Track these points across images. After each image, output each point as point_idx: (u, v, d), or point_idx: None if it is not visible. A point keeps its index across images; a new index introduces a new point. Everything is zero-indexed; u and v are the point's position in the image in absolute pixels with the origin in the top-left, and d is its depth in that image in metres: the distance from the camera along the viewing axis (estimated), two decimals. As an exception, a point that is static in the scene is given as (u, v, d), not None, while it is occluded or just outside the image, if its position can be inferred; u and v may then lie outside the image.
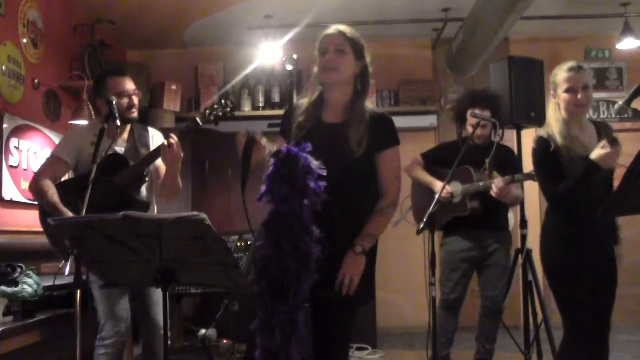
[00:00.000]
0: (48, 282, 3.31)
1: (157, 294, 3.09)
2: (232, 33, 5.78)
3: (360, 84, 2.35)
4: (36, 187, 3.07)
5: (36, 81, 4.38)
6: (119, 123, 2.85)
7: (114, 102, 2.89)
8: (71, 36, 4.98)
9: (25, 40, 4.27)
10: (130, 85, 3.11)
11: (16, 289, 3.11)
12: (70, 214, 2.91)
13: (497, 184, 3.56)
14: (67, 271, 2.37)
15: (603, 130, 2.87)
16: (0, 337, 2.83)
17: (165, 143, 2.89)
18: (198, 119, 3.00)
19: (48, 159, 3.24)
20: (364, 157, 2.27)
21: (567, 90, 2.80)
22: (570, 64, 2.86)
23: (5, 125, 3.97)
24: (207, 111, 3.01)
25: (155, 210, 3.26)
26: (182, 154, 2.94)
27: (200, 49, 6.32)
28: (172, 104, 5.81)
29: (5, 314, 3.03)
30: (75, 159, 3.10)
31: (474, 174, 3.75)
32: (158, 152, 2.96)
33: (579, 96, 2.77)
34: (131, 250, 2.10)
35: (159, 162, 3.09)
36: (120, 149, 3.11)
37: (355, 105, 2.32)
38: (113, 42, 5.54)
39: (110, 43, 5.32)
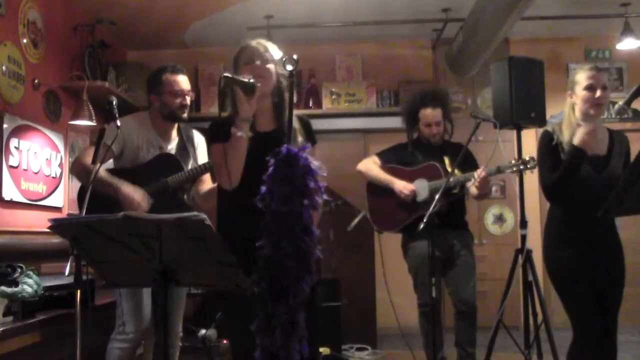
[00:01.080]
0: (48, 282, 3.31)
1: (177, 297, 3.09)
2: (232, 33, 5.78)
3: (277, 95, 2.41)
4: (80, 166, 3.01)
5: (36, 81, 4.38)
6: (118, 123, 2.85)
7: (114, 103, 2.88)
8: (71, 36, 4.98)
9: (25, 40, 4.27)
10: (185, 84, 3.10)
11: (16, 289, 3.10)
12: (126, 186, 2.86)
13: (479, 174, 3.50)
14: (67, 271, 2.37)
15: (617, 139, 2.88)
16: (0, 337, 2.83)
17: None
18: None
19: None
20: None
21: (587, 88, 2.82)
22: (591, 64, 2.93)
23: (5, 125, 3.96)
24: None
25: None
26: None
27: (200, 49, 6.33)
28: (172, 104, 5.81)
29: (5, 314, 3.03)
30: (120, 147, 3.05)
31: (442, 170, 3.71)
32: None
33: (598, 94, 2.79)
34: (131, 250, 2.10)
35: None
36: (170, 146, 3.10)
37: (282, 113, 2.39)
38: (113, 42, 5.54)
39: (110, 43, 5.33)
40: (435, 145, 3.87)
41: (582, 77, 2.84)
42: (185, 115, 3.09)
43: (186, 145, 3.15)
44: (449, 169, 3.71)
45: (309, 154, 2.23)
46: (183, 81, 3.09)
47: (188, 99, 3.09)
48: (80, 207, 2.99)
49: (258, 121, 2.40)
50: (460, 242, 3.81)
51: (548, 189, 2.80)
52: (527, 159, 3.38)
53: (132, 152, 3.05)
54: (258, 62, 2.38)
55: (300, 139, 2.35)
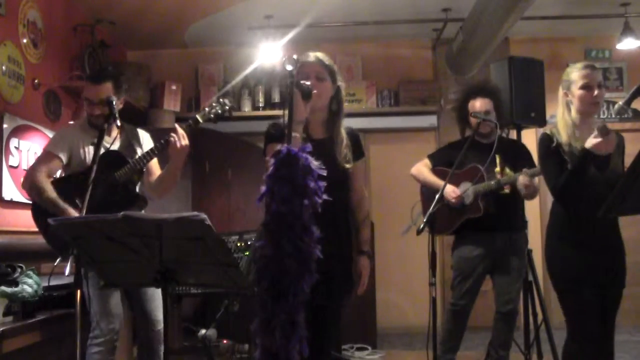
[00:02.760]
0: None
1: (152, 289, 3.08)
2: (232, 33, 5.78)
3: (336, 104, 2.55)
4: (31, 183, 3.05)
5: (36, 81, 4.38)
6: (118, 123, 2.85)
7: (114, 102, 2.89)
8: (71, 36, 4.98)
9: (25, 40, 4.27)
10: (102, 93, 3.03)
11: (16, 289, 3.10)
12: (71, 210, 2.91)
13: (522, 181, 3.44)
14: (67, 271, 2.37)
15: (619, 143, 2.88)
16: (0, 337, 2.83)
17: (175, 136, 2.90)
18: (198, 117, 3.04)
19: (41, 156, 3.23)
20: (347, 170, 2.51)
21: (583, 87, 2.80)
22: (585, 62, 2.89)
23: (5, 125, 3.97)
24: (207, 109, 3.05)
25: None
26: (188, 147, 2.96)
27: (200, 49, 6.33)
28: (172, 104, 5.81)
29: (5, 314, 3.03)
30: (67, 155, 3.10)
31: (485, 172, 3.62)
32: (160, 147, 2.99)
33: (595, 92, 2.78)
34: (131, 250, 2.10)
35: (152, 160, 3.11)
36: (113, 146, 3.10)
37: (335, 123, 2.55)
38: (113, 42, 5.54)
39: (110, 43, 5.33)
40: (487, 143, 3.69)
41: (577, 76, 2.83)
42: (104, 124, 2.88)
43: (131, 142, 3.17)
44: (498, 169, 3.65)
45: (357, 168, 2.56)
46: (101, 90, 3.04)
47: (110, 108, 2.90)
48: (38, 228, 3.05)
49: (311, 129, 2.51)
50: (511, 245, 3.69)
51: (559, 191, 2.78)
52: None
53: (79, 157, 3.09)
54: (314, 80, 2.46)
55: (345, 151, 2.50)
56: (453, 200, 3.63)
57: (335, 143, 2.51)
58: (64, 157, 3.09)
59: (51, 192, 2.99)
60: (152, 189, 3.19)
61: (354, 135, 2.60)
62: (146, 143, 3.24)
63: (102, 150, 2.99)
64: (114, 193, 2.98)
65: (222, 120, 3.11)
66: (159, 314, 3.11)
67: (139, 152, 3.15)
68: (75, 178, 3.05)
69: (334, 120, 2.55)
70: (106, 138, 3.06)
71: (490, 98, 3.74)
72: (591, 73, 2.82)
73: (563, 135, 2.81)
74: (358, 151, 2.58)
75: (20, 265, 3.27)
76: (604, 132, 2.62)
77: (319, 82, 2.47)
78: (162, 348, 3.14)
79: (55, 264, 2.72)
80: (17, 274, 3.19)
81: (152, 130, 3.49)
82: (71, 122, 4.43)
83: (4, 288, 3.06)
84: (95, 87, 3.06)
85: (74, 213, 2.92)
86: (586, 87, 2.80)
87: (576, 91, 2.81)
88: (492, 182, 3.58)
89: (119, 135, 3.12)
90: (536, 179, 3.50)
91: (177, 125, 2.96)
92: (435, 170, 3.84)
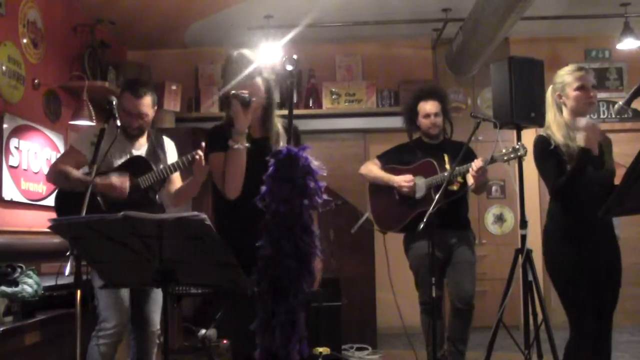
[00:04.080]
0: (48, 282, 3.31)
1: (156, 292, 3.10)
2: (232, 33, 5.78)
3: (267, 99, 2.53)
4: (57, 172, 3.07)
5: (36, 81, 4.38)
6: (118, 123, 2.86)
7: (114, 103, 2.89)
8: (71, 36, 4.98)
9: (25, 40, 4.27)
10: (143, 108, 3.09)
11: (16, 289, 3.11)
12: (100, 177, 2.90)
13: (476, 164, 3.50)
14: (67, 271, 2.37)
15: (604, 142, 2.92)
16: (0, 337, 2.83)
17: (201, 154, 2.87)
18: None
19: (67, 150, 3.30)
20: None
21: (579, 88, 2.89)
22: (576, 65, 2.98)
23: (5, 125, 3.97)
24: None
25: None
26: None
27: (200, 49, 6.33)
28: (172, 104, 5.81)
29: (5, 314, 3.03)
30: (91, 153, 3.08)
31: (438, 166, 3.71)
32: (186, 162, 3.00)
33: (591, 93, 2.84)
34: (131, 250, 2.10)
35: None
36: (139, 152, 3.15)
37: (268, 119, 2.55)
38: (113, 42, 5.54)
39: (110, 43, 5.33)
40: (436, 143, 3.87)
41: (571, 78, 2.92)
42: (136, 133, 3.12)
43: (156, 150, 3.22)
44: (448, 167, 3.71)
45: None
46: (142, 104, 3.09)
47: (144, 121, 3.12)
48: (60, 211, 3.06)
49: (251, 129, 2.50)
50: (460, 240, 3.79)
51: (560, 191, 2.82)
52: (518, 146, 3.39)
53: (105, 158, 3.05)
54: (247, 81, 2.45)
55: (282, 143, 2.45)
56: (405, 188, 3.70)
57: (270, 139, 2.50)
58: (87, 154, 3.06)
59: (77, 172, 3.02)
60: (170, 198, 3.24)
61: (292, 129, 2.53)
62: (170, 151, 3.29)
63: (128, 156, 3.11)
64: (134, 198, 2.99)
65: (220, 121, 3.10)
66: (157, 316, 3.14)
67: (163, 159, 3.20)
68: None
69: (268, 117, 2.54)
70: (135, 144, 3.16)
71: (439, 101, 3.88)
72: (585, 75, 2.91)
73: (559, 137, 2.86)
74: (298, 142, 2.48)
75: (20, 265, 3.27)
76: (587, 125, 2.69)
77: (250, 81, 2.45)
78: (155, 349, 3.16)
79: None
80: (17, 274, 3.19)
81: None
82: (79, 123, 4.45)
83: (4, 288, 3.07)
84: (138, 100, 3.08)
85: (105, 179, 2.93)
86: (582, 88, 2.88)
87: (571, 92, 2.89)
88: (446, 174, 3.59)
89: (146, 142, 3.19)
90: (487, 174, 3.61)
91: (203, 144, 2.91)
92: (385, 169, 3.93)
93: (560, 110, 2.92)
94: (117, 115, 2.86)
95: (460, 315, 3.73)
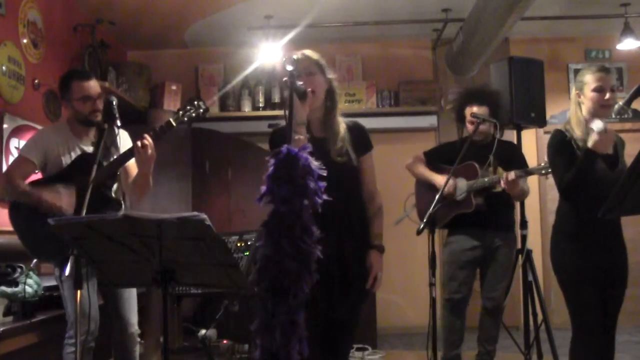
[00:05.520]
0: (48, 282, 3.31)
1: (127, 291, 3.06)
2: (232, 33, 5.78)
3: (330, 100, 2.51)
4: (5, 185, 3.05)
5: (36, 81, 4.38)
6: (118, 123, 2.84)
7: (114, 103, 2.88)
8: (71, 36, 4.98)
9: (25, 40, 4.27)
10: (94, 89, 3.06)
11: (16, 289, 3.11)
12: (46, 192, 2.89)
13: (509, 176, 3.49)
14: (67, 271, 2.36)
15: (617, 139, 2.90)
16: (0, 337, 2.83)
17: (139, 144, 2.84)
18: (171, 120, 2.96)
19: (16, 160, 3.23)
20: (345, 165, 2.45)
21: (596, 89, 2.84)
22: (600, 65, 2.94)
23: (5, 125, 3.97)
24: (180, 112, 3.00)
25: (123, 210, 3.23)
26: (155, 154, 2.89)
27: (200, 49, 6.32)
28: (172, 104, 5.81)
29: (5, 314, 3.03)
30: (42, 159, 3.06)
31: (479, 169, 3.68)
32: (131, 152, 2.93)
33: (607, 96, 2.82)
34: (131, 250, 2.11)
35: (130, 161, 3.05)
36: (89, 148, 3.08)
37: (330, 119, 2.52)
38: (113, 42, 5.54)
39: (110, 43, 5.32)
40: (483, 143, 3.77)
41: (591, 78, 2.86)
42: (98, 118, 3.04)
43: (106, 144, 3.08)
44: (492, 169, 3.71)
45: (364, 162, 2.51)
46: (92, 86, 3.06)
47: (100, 103, 3.04)
48: (15, 228, 3.04)
49: (312, 128, 2.49)
50: (501, 241, 3.77)
51: (564, 187, 2.81)
52: None
53: (55, 160, 3.05)
54: (304, 77, 2.41)
55: (341, 145, 2.45)
56: (446, 189, 3.65)
57: (331, 139, 2.47)
58: (37, 161, 3.04)
59: (24, 186, 2.97)
60: (128, 191, 3.19)
61: (356, 128, 2.54)
62: (124, 143, 3.16)
63: (78, 151, 3.05)
64: (86, 196, 2.95)
65: (195, 121, 3.08)
66: (133, 317, 3.09)
67: (113, 151, 3.09)
68: (49, 181, 3.02)
69: (330, 117, 2.52)
70: (83, 140, 3.10)
71: (487, 105, 3.78)
72: (605, 76, 2.86)
73: (577, 133, 2.84)
74: (363, 145, 2.52)
75: (20, 265, 3.27)
76: (600, 129, 2.65)
77: (308, 76, 2.43)
78: (137, 349, 3.13)
79: (32, 264, 2.70)
80: (17, 274, 3.19)
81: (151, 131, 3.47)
82: (47, 127, 4.43)
83: (4, 288, 3.07)
84: (89, 81, 3.05)
85: (50, 197, 2.90)
86: (599, 89, 2.83)
87: (589, 93, 2.85)
88: (486, 180, 3.64)
89: (94, 137, 3.11)
90: (526, 185, 3.60)
91: (145, 135, 2.87)
92: (429, 167, 3.91)
93: (580, 108, 2.89)
94: (117, 115, 2.84)
95: (490, 315, 3.79)
